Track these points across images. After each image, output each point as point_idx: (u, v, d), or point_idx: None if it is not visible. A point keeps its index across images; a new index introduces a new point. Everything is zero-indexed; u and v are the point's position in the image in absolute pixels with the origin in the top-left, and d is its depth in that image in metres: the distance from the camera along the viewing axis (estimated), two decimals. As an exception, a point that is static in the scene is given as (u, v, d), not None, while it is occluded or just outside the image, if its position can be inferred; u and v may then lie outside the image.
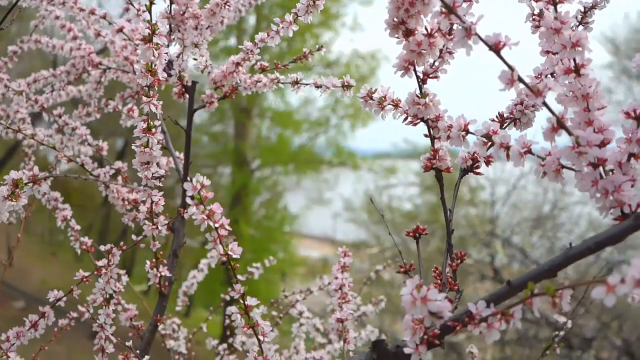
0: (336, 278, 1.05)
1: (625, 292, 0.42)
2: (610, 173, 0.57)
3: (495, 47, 0.55)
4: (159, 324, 1.07)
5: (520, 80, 0.55)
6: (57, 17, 1.30)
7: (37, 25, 1.41)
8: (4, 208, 0.73)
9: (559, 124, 0.55)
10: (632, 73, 8.81)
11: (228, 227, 0.68)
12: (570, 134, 0.55)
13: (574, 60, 0.58)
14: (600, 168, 0.57)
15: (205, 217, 0.67)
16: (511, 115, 0.74)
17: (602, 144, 0.57)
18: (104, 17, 1.17)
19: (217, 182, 11.79)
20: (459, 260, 0.69)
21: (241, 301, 0.70)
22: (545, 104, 0.55)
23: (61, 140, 1.25)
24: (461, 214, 8.65)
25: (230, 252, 0.68)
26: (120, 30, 1.09)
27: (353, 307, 1.05)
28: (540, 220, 7.16)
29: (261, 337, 0.70)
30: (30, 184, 0.71)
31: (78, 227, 1.18)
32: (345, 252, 1.08)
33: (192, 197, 0.67)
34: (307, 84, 1.00)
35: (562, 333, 1.17)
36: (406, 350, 0.59)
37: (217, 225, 0.67)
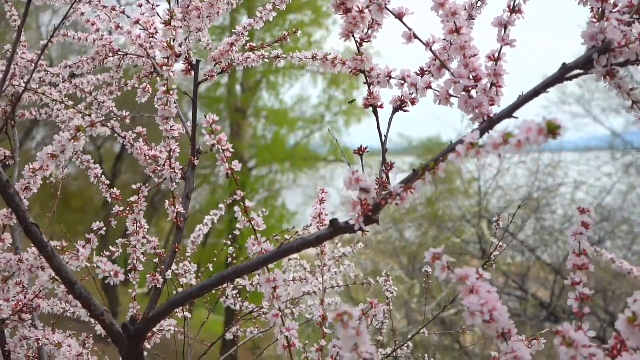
0: (315, 208, 1.35)
1: (463, 154, 0.72)
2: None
3: (399, 16, 0.85)
4: (177, 251, 1.36)
5: (416, 37, 0.85)
6: (82, 14, 1.59)
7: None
8: (69, 148, 1.02)
9: (442, 65, 0.85)
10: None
11: (231, 150, 0.97)
12: (449, 70, 0.85)
13: (455, 23, 0.88)
14: (474, 93, 0.86)
15: (216, 142, 0.97)
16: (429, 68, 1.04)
17: (476, 79, 0.87)
18: (123, 12, 1.46)
19: (214, 182, 12.08)
20: (390, 167, 0.98)
21: (242, 203, 0.99)
22: (432, 51, 0.85)
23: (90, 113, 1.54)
24: (455, 205, 9.00)
25: (233, 167, 0.97)
26: (137, 22, 1.38)
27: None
28: (529, 203, 7.49)
29: (256, 228, 0.99)
30: (89, 128, 1.00)
31: (108, 182, 1.47)
32: (323, 189, 1.37)
33: (205, 129, 0.96)
34: (285, 58, 1.29)
35: (497, 253, 1.47)
36: (350, 222, 0.89)
37: (224, 148, 0.97)
